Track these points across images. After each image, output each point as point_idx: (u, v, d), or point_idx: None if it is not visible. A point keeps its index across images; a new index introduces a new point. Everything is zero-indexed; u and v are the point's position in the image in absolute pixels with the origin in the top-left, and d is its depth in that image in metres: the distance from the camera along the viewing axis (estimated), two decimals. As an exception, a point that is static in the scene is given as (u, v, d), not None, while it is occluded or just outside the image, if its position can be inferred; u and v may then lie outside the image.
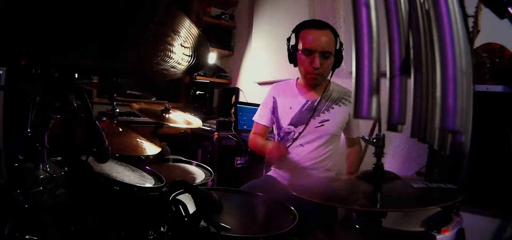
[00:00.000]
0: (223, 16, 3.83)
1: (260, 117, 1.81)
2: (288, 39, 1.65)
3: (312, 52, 1.55)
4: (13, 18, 0.58)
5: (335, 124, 1.64)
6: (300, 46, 1.59)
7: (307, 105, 1.67)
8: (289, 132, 1.68)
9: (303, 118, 1.65)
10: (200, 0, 3.74)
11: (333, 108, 1.66)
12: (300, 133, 1.62)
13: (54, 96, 0.79)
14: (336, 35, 1.59)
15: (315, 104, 1.64)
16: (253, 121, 1.85)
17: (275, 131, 1.79)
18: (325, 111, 1.66)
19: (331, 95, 1.69)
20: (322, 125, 1.64)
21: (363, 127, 1.79)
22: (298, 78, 1.77)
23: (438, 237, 1.03)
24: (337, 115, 1.65)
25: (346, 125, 1.71)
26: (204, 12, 3.70)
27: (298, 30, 1.62)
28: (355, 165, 1.72)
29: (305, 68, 1.60)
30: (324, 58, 1.56)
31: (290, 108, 1.69)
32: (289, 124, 1.68)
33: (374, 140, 0.98)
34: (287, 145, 1.65)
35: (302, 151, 1.65)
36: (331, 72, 1.66)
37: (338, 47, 1.60)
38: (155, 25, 0.69)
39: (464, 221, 1.17)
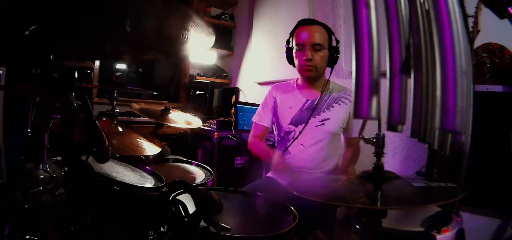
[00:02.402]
0: (223, 16, 3.83)
1: (260, 118, 1.80)
2: (287, 42, 1.69)
3: (303, 46, 1.60)
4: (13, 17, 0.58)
5: (335, 123, 1.64)
6: (294, 45, 1.64)
7: (307, 104, 1.67)
8: (290, 132, 1.67)
9: (303, 117, 1.65)
10: (200, 0, 3.74)
11: (333, 106, 1.66)
12: (300, 133, 1.62)
13: (54, 96, 0.79)
14: (329, 32, 1.63)
15: (315, 102, 1.64)
16: (253, 121, 1.85)
17: (275, 131, 1.79)
18: (326, 110, 1.65)
19: (331, 93, 1.69)
20: (323, 124, 1.63)
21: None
22: (298, 78, 1.78)
23: (438, 237, 1.03)
24: (338, 113, 1.65)
25: (346, 125, 1.70)
26: (204, 12, 3.70)
27: (293, 30, 1.67)
28: (347, 165, 1.69)
29: (299, 62, 1.63)
30: (315, 50, 1.58)
31: (290, 107, 1.69)
32: (289, 124, 1.67)
33: (374, 140, 0.98)
34: (287, 145, 1.65)
35: (303, 151, 1.64)
36: (330, 70, 1.66)
37: (334, 44, 1.62)
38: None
39: (464, 221, 1.17)
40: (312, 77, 1.65)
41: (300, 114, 1.66)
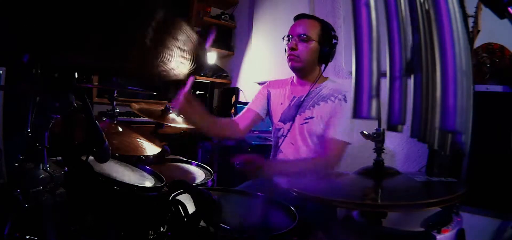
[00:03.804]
0: (223, 16, 3.83)
1: (250, 104, 1.77)
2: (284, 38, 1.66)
3: (290, 36, 1.59)
4: (13, 17, 0.58)
5: (319, 122, 1.54)
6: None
7: (294, 101, 1.63)
8: (279, 129, 1.65)
9: (290, 115, 1.61)
10: (200, 0, 3.74)
11: (319, 104, 1.56)
12: (288, 131, 1.59)
13: (54, 96, 0.79)
14: (325, 27, 1.58)
15: (301, 99, 1.58)
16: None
17: (271, 128, 1.78)
18: (311, 108, 1.57)
19: (320, 90, 1.60)
20: (307, 123, 1.56)
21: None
22: (294, 76, 1.73)
23: (438, 237, 1.03)
24: (322, 112, 1.54)
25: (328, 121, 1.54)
26: (204, 12, 3.70)
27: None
28: (300, 165, 1.51)
29: (287, 53, 1.60)
30: (300, 41, 1.55)
31: (281, 103, 1.67)
32: (279, 121, 1.65)
33: (375, 136, 0.98)
34: (278, 143, 1.64)
35: (292, 149, 1.59)
36: (323, 66, 1.61)
37: (325, 37, 1.55)
38: (154, 29, 0.69)
39: (464, 221, 1.17)
40: (296, 67, 1.59)
41: (288, 111, 1.63)
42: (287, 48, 1.61)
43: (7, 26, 0.60)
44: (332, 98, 1.56)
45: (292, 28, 1.61)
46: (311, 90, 1.59)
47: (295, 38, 1.56)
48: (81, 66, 0.90)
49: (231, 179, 2.61)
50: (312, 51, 1.56)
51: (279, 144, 1.63)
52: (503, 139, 1.36)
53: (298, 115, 1.57)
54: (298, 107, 1.58)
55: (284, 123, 1.63)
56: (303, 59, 1.56)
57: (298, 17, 1.65)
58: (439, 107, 0.42)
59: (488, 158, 1.41)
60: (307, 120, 1.56)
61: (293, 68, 1.62)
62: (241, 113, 1.77)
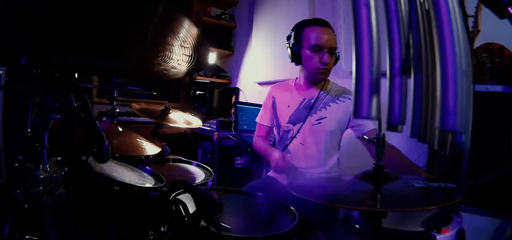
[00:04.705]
0: (223, 16, 3.83)
1: (261, 118, 1.84)
2: (288, 38, 1.66)
3: (321, 48, 1.56)
4: (13, 17, 0.58)
5: (332, 122, 1.62)
6: (306, 44, 1.59)
7: (304, 102, 1.67)
8: (288, 131, 1.68)
9: (300, 116, 1.64)
10: (200, 0, 3.75)
11: (330, 105, 1.64)
12: (298, 131, 1.63)
13: (54, 96, 0.79)
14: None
15: (312, 101, 1.64)
16: (253, 121, 1.86)
17: (275, 130, 1.79)
18: (322, 109, 1.64)
19: (329, 92, 1.68)
20: (320, 123, 1.62)
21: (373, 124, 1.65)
22: (297, 78, 1.77)
23: (438, 237, 1.03)
24: (335, 112, 1.63)
25: (352, 123, 1.64)
26: (204, 12, 3.70)
27: (300, 28, 1.63)
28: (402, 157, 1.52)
29: (314, 64, 1.59)
30: (331, 54, 1.58)
31: (288, 106, 1.70)
32: (287, 122, 1.68)
33: (375, 140, 0.98)
34: (286, 143, 1.65)
35: (301, 149, 1.64)
36: None
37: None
38: (154, 25, 0.69)
39: (464, 221, 1.17)
40: (324, 80, 1.66)
41: (297, 113, 1.66)
42: (311, 57, 1.59)
43: (7, 26, 0.60)
44: (342, 99, 1.66)
45: (322, 37, 1.56)
46: (321, 92, 1.65)
47: (328, 52, 1.57)
48: (81, 66, 0.90)
49: (231, 179, 2.61)
50: (333, 62, 1.63)
51: (288, 144, 1.66)
52: (503, 139, 1.36)
53: (309, 117, 1.62)
54: (308, 108, 1.63)
55: (293, 124, 1.67)
56: (329, 71, 1.63)
57: (323, 24, 1.60)
58: (439, 107, 0.42)
59: (488, 158, 1.41)
60: (320, 121, 1.62)
61: (318, 81, 1.67)
62: (260, 132, 1.85)
